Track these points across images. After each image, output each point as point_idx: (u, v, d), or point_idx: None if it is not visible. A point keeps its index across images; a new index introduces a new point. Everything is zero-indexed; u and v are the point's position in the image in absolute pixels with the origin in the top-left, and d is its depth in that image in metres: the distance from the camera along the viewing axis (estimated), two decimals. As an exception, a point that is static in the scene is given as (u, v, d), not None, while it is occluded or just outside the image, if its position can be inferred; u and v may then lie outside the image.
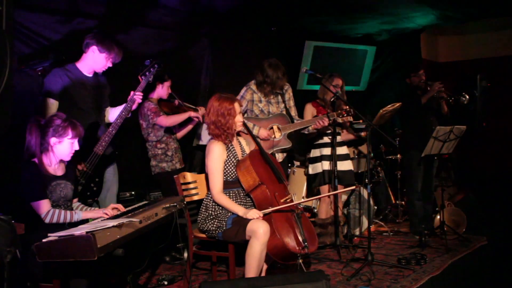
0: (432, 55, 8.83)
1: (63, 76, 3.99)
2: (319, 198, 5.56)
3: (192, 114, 4.90)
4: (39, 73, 4.18)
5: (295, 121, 5.15)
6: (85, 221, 3.39)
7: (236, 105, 3.86)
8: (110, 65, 4.18)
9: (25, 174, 3.32)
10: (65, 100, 3.98)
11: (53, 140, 3.36)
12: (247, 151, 4.10)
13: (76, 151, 3.48)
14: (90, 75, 4.19)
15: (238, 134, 4.12)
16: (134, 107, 4.18)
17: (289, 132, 5.07)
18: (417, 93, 5.86)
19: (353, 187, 4.65)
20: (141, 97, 4.19)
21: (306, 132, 5.29)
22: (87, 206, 3.71)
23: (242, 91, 5.13)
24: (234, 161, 3.90)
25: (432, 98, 5.77)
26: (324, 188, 5.36)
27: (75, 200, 3.66)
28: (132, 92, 4.15)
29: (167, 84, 5.08)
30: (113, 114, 4.32)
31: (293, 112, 5.26)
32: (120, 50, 4.18)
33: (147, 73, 4.28)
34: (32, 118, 3.43)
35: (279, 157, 5.17)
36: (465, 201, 6.44)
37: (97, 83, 4.26)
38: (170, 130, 5.06)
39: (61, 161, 3.49)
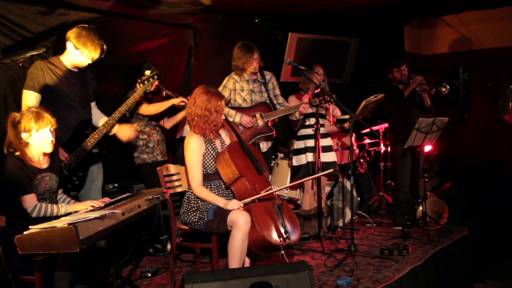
0: (416, 48, 8.85)
1: (45, 69, 3.91)
2: (302, 188, 5.60)
3: (175, 102, 4.80)
4: (20, 64, 4.11)
5: (278, 108, 5.15)
6: (69, 213, 3.37)
7: (223, 102, 3.86)
8: (89, 61, 4.03)
9: (10, 168, 3.28)
10: (48, 94, 3.90)
11: (24, 135, 3.33)
12: (227, 142, 4.09)
13: (62, 142, 3.44)
14: (75, 70, 4.09)
15: None
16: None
17: (272, 119, 5.07)
18: (399, 87, 5.90)
19: (331, 170, 4.65)
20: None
21: (294, 119, 5.27)
22: (70, 198, 3.69)
23: (224, 80, 5.12)
24: (214, 154, 3.90)
25: (414, 92, 5.81)
26: (308, 180, 5.38)
27: (60, 191, 3.64)
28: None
29: None
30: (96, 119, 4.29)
31: (281, 99, 5.26)
32: (97, 47, 3.97)
33: (145, 82, 4.24)
34: (10, 114, 3.39)
35: (264, 146, 5.18)
36: (447, 192, 6.50)
37: (82, 77, 4.16)
38: (155, 121, 5.04)
39: (45, 153, 3.46)
